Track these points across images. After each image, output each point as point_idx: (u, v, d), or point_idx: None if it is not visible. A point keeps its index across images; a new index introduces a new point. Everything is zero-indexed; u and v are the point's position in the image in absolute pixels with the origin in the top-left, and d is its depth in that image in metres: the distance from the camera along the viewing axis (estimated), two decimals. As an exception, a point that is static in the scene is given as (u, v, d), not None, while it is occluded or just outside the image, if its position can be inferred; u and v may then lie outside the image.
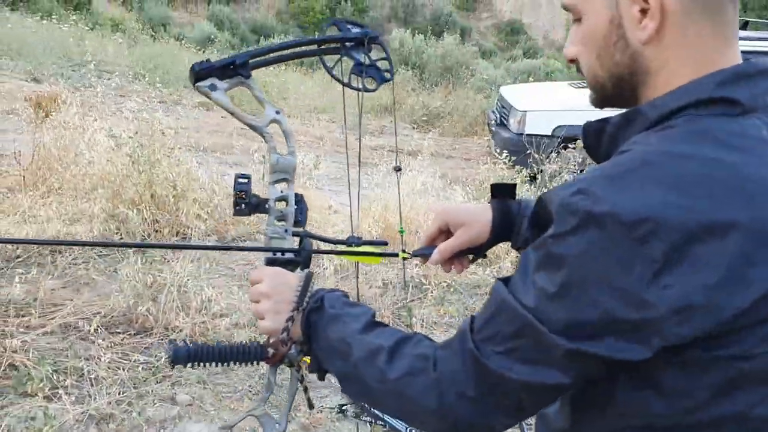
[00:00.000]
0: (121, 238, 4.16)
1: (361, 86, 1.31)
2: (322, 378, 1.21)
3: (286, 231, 1.23)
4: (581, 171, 5.66)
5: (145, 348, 3.30)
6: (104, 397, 2.89)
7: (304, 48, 1.30)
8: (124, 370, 3.09)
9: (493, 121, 7.29)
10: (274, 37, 23.98)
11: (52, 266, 3.84)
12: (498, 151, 5.97)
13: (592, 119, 0.98)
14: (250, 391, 3.15)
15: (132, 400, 2.93)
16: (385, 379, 0.96)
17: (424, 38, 18.65)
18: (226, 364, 1.17)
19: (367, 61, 1.31)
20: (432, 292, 4.04)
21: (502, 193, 1.28)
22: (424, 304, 3.95)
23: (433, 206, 1.42)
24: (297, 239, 1.26)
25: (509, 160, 5.54)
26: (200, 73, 1.16)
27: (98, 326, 3.31)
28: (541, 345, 0.81)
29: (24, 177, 4.83)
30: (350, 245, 1.33)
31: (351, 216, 1.65)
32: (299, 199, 1.26)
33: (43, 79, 9.17)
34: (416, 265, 4.30)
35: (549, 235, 0.82)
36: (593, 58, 0.93)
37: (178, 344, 1.15)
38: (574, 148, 6.07)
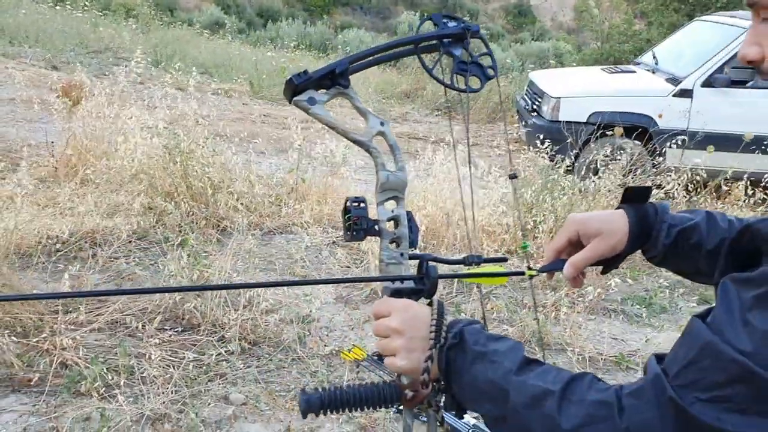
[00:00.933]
0: (161, 231, 4.08)
1: (465, 86, 1.20)
2: (460, 416, 1.12)
3: (402, 255, 1.12)
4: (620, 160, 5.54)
5: (193, 345, 3.23)
6: (158, 397, 2.83)
7: (400, 49, 1.20)
8: (175, 368, 3.03)
9: (524, 108, 7.16)
10: (281, 21, 23.80)
11: (93, 260, 3.77)
12: (536, 137, 5.83)
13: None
14: (317, 387, 3.07)
15: (186, 399, 2.86)
16: (556, 429, 0.87)
17: (431, 21, 18.43)
18: (360, 409, 1.06)
19: (469, 59, 1.21)
20: (478, 286, 3.94)
21: (633, 197, 1.19)
22: (471, 299, 3.86)
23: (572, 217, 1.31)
24: (415, 263, 1.15)
25: (551, 149, 5.40)
26: (299, 86, 1.06)
27: (146, 323, 3.24)
28: (763, 393, 0.73)
29: (56, 168, 4.76)
30: (470, 265, 1.23)
31: (468, 232, 1.55)
32: (410, 218, 1.15)
33: (61, 67, 9.08)
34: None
35: None
36: None
37: (309, 391, 1.04)
38: (612, 135, 5.95)
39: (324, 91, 1.09)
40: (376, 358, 3.39)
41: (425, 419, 1.24)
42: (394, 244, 1.13)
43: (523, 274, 1.22)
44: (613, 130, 5.94)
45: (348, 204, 1.13)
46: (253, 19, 28.32)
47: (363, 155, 7.18)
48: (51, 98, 5.34)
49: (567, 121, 6.20)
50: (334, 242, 4.56)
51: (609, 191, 5.15)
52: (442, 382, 1.03)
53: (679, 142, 5.69)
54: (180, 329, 3.34)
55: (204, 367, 3.08)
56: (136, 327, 3.23)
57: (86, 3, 13.60)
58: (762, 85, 5.88)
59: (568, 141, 5.90)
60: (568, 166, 5.35)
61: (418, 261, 1.16)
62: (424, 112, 9.87)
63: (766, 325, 0.73)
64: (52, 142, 4.76)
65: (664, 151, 6.06)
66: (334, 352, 3.36)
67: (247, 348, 3.26)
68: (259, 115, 8.34)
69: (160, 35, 12.77)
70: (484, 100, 9.45)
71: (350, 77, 1.15)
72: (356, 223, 1.11)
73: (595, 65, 10.14)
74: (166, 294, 3.43)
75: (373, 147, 1.10)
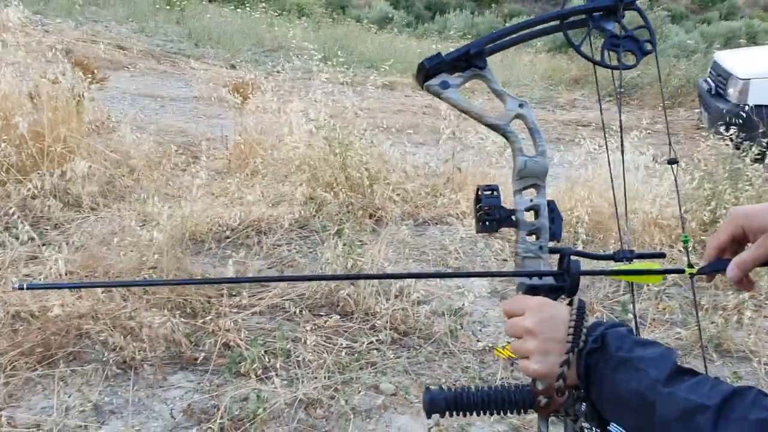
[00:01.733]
0: (320, 221, 4.20)
1: (618, 62, 1.07)
2: (603, 428, 1.00)
3: (540, 248, 1.02)
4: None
5: (346, 332, 3.28)
6: (312, 382, 2.89)
7: (545, 25, 1.08)
8: (328, 353, 3.09)
9: (706, 91, 6.52)
10: (449, 13, 23.82)
11: (258, 247, 3.96)
12: (716, 124, 5.28)
13: None
14: (454, 385, 3.00)
15: (338, 386, 2.90)
16: None
17: (610, 4, 17.48)
18: (490, 413, 0.98)
19: (623, 33, 1.08)
20: (648, 285, 3.63)
21: None
22: (641, 298, 3.56)
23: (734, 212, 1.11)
24: (556, 258, 1.04)
25: (737, 136, 4.83)
26: (430, 70, 0.99)
27: (303, 308, 3.34)
28: None
29: (230, 161, 5.07)
30: (621, 260, 1.09)
31: (618, 223, 1.39)
32: (552, 208, 1.04)
33: (238, 65, 9.72)
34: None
35: None
36: None
37: (434, 390, 0.97)
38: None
39: (459, 74, 1.01)
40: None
41: (586, 425, 1.11)
42: (533, 236, 1.03)
43: (682, 271, 1.08)
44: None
45: (479, 193, 1.04)
46: (422, 13, 28.65)
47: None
48: (226, 95, 5.71)
49: (757, 105, 5.55)
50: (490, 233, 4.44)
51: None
52: (582, 390, 0.92)
53: None
54: (335, 315, 3.40)
55: (356, 354, 3.11)
56: (294, 312, 3.34)
57: (264, 4, 14.48)
58: None
59: (759, 128, 5.27)
60: (757, 155, 4.78)
61: (558, 255, 1.05)
62: (594, 98, 9.36)
63: None
64: (226, 136, 5.07)
65: None
66: (487, 348, 3.26)
67: (397, 338, 3.25)
68: (421, 106, 8.37)
69: (330, 32, 13.27)
70: (663, 83, 8.77)
71: (491, 59, 1.07)
72: (488, 213, 1.02)
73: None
74: (323, 281, 3.51)
75: (510, 131, 1.02)
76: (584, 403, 0.99)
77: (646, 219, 4.12)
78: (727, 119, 5.36)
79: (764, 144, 5.10)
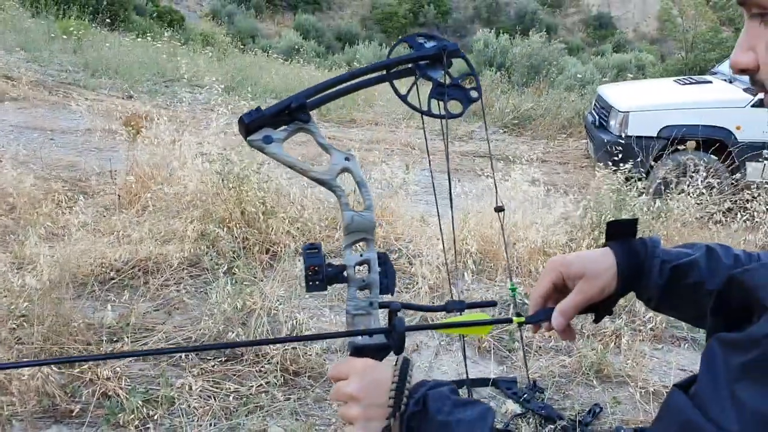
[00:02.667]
0: (212, 259, 4.09)
1: (444, 112, 1.07)
2: None
3: (371, 304, 1.01)
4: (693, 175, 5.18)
5: (234, 375, 3.19)
6: (195, 430, 2.79)
7: (370, 76, 1.08)
8: (215, 399, 2.98)
9: (591, 123, 6.86)
10: (358, 44, 24.17)
11: (145, 288, 3.81)
12: (599, 154, 5.56)
13: None
14: (344, 424, 2.96)
15: (223, 432, 2.81)
16: None
17: (509, 38, 18.23)
18: None
19: (448, 80, 1.08)
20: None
21: (619, 232, 1.06)
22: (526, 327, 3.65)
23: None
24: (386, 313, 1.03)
25: (628, 171, 5.01)
26: (251, 125, 0.96)
27: (190, 354, 3.23)
28: None
29: (119, 196, 4.88)
30: (451, 312, 1.09)
31: (449, 280, 1.41)
32: (383, 260, 1.04)
33: (136, 96, 9.44)
34: (517, 282, 4.01)
35: (764, 334, 0.60)
36: None
37: None
38: (685, 150, 5.59)
39: (283, 127, 0.99)
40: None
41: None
42: (364, 292, 1.02)
43: (510, 321, 1.11)
44: (685, 145, 5.58)
45: (304, 252, 1.02)
46: (332, 43, 29.00)
47: (426, 174, 7.07)
48: (118, 128, 5.52)
49: (636, 136, 5.87)
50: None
51: (684, 210, 4.82)
52: None
53: (761, 156, 5.27)
54: (224, 359, 3.30)
55: (244, 399, 3.02)
56: (180, 356, 3.22)
57: (168, 35, 14.19)
58: None
59: (638, 157, 5.58)
60: (641, 189, 5.03)
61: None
62: (492, 129, 9.65)
63: (756, 401, 0.59)
64: (115, 171, 4.89)
65: (743, 166, 5.64)
66: (378, 383, 3.23)
67: (288, 379, 3.19)
68: (325, 137, 8.38)
69: (235, 62, 13.13)
70: (553, 115, 9.17)
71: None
72: (315, 272, 1.00)
73: (679, 75, 9.72)
74: (211, 323, 3.41)
75: (336, 185, 1.00)
76: None
77: (533, 248, 4.25)
78: (610, 149, 5.64)
79: (642, 173, 5.40)
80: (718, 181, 5.32)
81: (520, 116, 9.71)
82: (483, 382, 3.19)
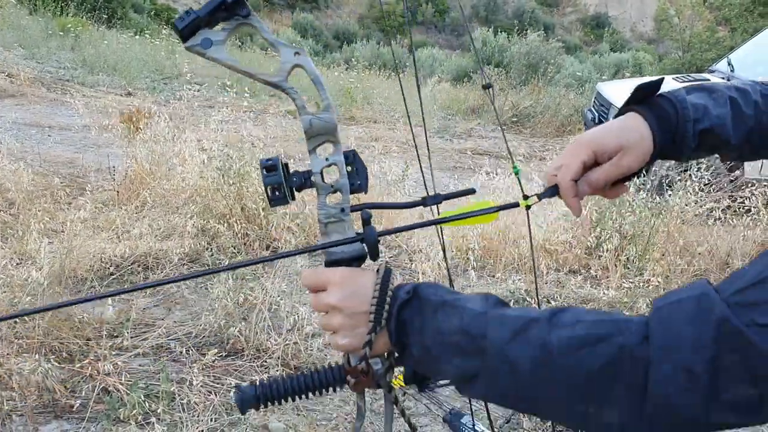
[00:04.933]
0: (212, 254, 4.08)
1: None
2: (422, 389, 0.98)
3: (343, 210, 0.95)
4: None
5: (235, 370, 3.18)
6: (196, 425, 2.77)
7: None
8: (215, 394, 2.97)
9: (591, 120, 6.86)
10: (356, 43, 24.18)
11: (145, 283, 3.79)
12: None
13: None
14: (346, 419, 2.96)
15: (224, 428, 2.80)
16: (549, 352, 0.71)
17: (507, 36, 18.25)
18: (306, 396, 0.97)
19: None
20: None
21: (644, 94, 0.98)
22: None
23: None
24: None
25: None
26: (185, 30, 0.87)
27: (190, 348, 3.22)
28: None
29: (118, 192, 4.87)
30: (430, 206, 1.02)
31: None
32: (352, 159, 0.96)
33: (135, 93, 9.42)
34: (518, 279, 4.00)
35: None
36: None
37: (244, 387, 0.96)
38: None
39: (221, 26, 0.90)
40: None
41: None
42: (335, 197, 0.95)
43: (516, 205, 1.01)
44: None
45: (261, 169, 0.94)
46: (330, 42, 29.00)
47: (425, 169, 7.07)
48: (116, 124, 5.50)
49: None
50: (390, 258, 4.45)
51: (684, 207, 4.82)
52: (396, 356, 0.90)
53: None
54: (224, 354, 3.29)
55: None
56: (180, 352, 3.21)
57: (166, 32, 14.16)
58: None
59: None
60: (639, 186, 5.03)
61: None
62: (490, 127, 9.65)
63: None
64: (114, 167, 4.87)
65: (742, 163, 5.65)
66: (379, 379, 3.23)
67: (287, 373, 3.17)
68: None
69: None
70: (553, 113, 9.17)
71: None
72: (276, 190, 0.94)
73: (675, 74, 9.71)
74: (212, 318, 3.40)
75: (289, 87, 0.91)
76: (400, 369, 0.97)
77: (535, 245, 4.25)
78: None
79: (643, 169, 5.39)
80: (717, 179, 5.33)
81: (519, 114, 9.71)
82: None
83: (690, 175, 5.15)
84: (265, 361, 3.21)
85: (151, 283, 0.99)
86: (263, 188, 0.94)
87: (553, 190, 0.99)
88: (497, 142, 8.82)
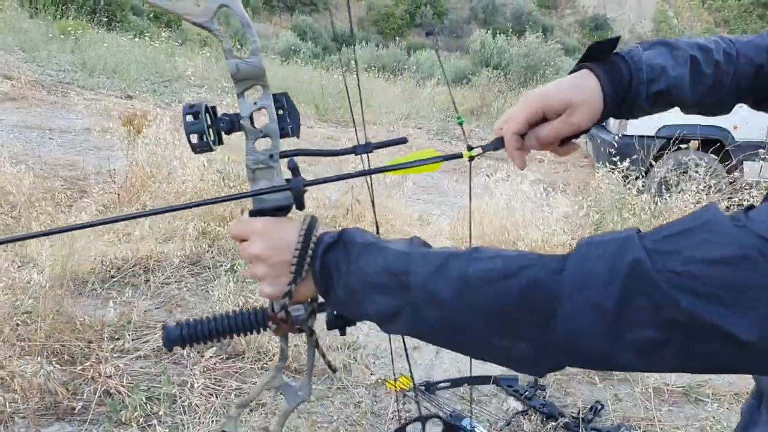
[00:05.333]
0: (213, 256, 4.09)
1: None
2: (343, 333, 0.98)
3: (271, 157, 0.92)
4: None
5: (236, 373, 3.19)
6: (198, 427, 2.78)
7: None
8: (217, 396, 2.99)
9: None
10: (355, 45, 24.20)
11: (146, 286, 3.81)
12: (599, 153, 5.58)
13: None
14: (346, 421, 2.97)
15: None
16: (468, 283, 0.71)
17: (505, 38, 18.27)
18: (230, 337, 0.99)
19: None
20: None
21: (598, 52, 0.97)
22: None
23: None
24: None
25: (627, 168, 5.05)
26: None
27: (191, 350, 3.23)
28: (750, 290, 0.60)
29: (119, 195, 4.88)
30: (361, 154, 0.99)
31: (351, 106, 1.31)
32: (283, 103, 0.93)
33: (135, 96, 9.44)
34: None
35: None
36: None
37: (169, 326, 0.97)
38: (686, 149, 5.61)
39: None
40: (423, 388, 3.23)
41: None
42: (263, 143, 0.93)
43: (460, 156, 0.98)
44: (688, 144, 5.60)
45: (184, 117, 0.91)
46: (329, 44, 29.02)
47: (425, 174, 7.07)
48: (117, 127, 5.52)
49: (636, 136, 5.90)
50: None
51: (684, 209, 4.84)
52: (319, 301, 0.92)
53: (758, 155, 5.30)
54: (225, 356, 3.30)
55: (245, 396, 3.02)
56: (182, 354, 3.22)
57: (165, 35, 14.19)
58: None
59: (636, 156, 5.60)
60: (640, 188, 5.06)
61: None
62: (489, 129, 9.66)
63: None
64: (114, 170, 4.89)
65: (741, 165, 5.67)
66: (380, 381, 3.24)
67: (290, 376, 3.19)
68: (323, 137, 8.38)
69: (233, 62, 13.11)
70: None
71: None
72: (201, 138, 0.91)
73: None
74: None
75: (215, 28, 0.88)
76: (327, 313, 0.98)
77: (534, 246, 4.26)
78: (610, 149, 5.66)
79: (642, 171, 5.42)
80: (716, 181, 5.35)
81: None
82: (484, 379, 3.20)
83: (690, 176, 5.17)
84: (266, 363, 3.22)
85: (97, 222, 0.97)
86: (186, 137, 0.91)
87: (497, 143, 0.98)
88: (497, 144, 8.82)
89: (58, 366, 2.91)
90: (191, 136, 0.90)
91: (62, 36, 12.38)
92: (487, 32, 20.36)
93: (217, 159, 4.60)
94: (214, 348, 3.33)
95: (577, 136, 0.99)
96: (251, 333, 0.99)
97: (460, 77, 16.54)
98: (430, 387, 3.15)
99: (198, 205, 0.98)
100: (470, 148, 0.99)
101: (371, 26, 34.24)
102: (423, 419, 1.58)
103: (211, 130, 0.92)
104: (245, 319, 0.98)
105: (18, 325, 3.12)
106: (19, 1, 14.71)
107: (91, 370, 2.99)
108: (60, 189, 4.88)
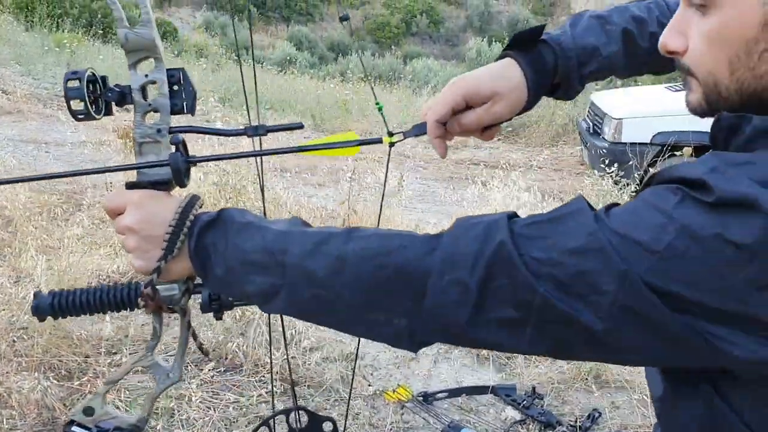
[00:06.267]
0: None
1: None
2: (219, 317, 0.99)
3: (159, 131, 0.90)
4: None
5: (234, 386, 3.19)
6: (195, 441, 2.78)
7: None
8: (214, 410, 2.98)
9: (585, 130, 6.90)
10: (351, 55, 24.26)
11: (143, 300, 3.80)
12: (595, 160, 5.60)
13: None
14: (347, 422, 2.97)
15: (224, 443, 2.81)
16: (343, 261, 0.73)
17: (501, 46, 18.37)
18: (102, 312, 0.98)
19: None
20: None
21: (524, 41, 0.97)
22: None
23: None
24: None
25: (616, 174, 5.09)
26: None
27: (188, 363, 3.23)
28: (599, 283, 0.62)
29: (115, 208, 4.88)
30: (254, 136, 0.96)
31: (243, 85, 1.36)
32: (177, 79, 0.91)
33: (131, 109, 9.44)
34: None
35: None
36: (721, 62, 0.69)
37: (41, 295, 0.96)
38: (681, 155, 5.63)
39: None
40: (421, 398, 3.23)
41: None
42: (153, 117, 0.91)
43: (380, 141, 0.98)
44: (681, 151, 5.62)
45: (65, 83, 0.89)
46: (325, 54, 29.05)
47: (420, 182, 7.08)
48: (113, 140, 5.53)
49: (630, 143, 5.92)
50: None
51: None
52: (194, 281, 0.93)
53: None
54: (222, 369, 3.30)
55: (243, 409, 3.02)
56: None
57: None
58: None
59: (632, 163, 5.62)
60: (633, 192, 5.08)
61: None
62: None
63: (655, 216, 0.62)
64: (111, 183, 4.89)
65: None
66: (378, 392, 3.24)
67: (287, 389, 3.19)
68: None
69: (230, 74, 13.16)
70: (548, 123, 9.22)
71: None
72: (80, 104, 0.88)
73: (668, 84, 9.80)
74: (210, 333, 3.42)
75: None
76: (201, 295, 0.98)
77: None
78: (605, 157, 5.69)
79: (637, 179, 5.44)
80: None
81: (513, 123, 9.75)
82: (482, 389, 3.20)
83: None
84: (264, 376, 3.22)
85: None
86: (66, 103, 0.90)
87: (419, 128, 0.99)
88: (493, 152, 8.87)
89: (55, 381, 2.91)
90: (72, 101, 0.88)
91: (58, 49, 12.41)
92: (482, 40, 20.46)
93: (213, 171, 4.61)
94: (212, 362, 3.33)
95: (498, 123, 1.00)
96: (125, 309, 0.97)
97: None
98: (428, 397, 3.15)
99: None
100: (391, 134, 0.98)
101: (367, 35, 34.36)
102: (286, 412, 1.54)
103: (100, 99, 0.91)
104: (119, 294, 0.96)
105: (14, 340, 3.12)
106: (14, 15, 14.76)
107: (89, 385, 2.99)
108: (56, 203, 4.88)
